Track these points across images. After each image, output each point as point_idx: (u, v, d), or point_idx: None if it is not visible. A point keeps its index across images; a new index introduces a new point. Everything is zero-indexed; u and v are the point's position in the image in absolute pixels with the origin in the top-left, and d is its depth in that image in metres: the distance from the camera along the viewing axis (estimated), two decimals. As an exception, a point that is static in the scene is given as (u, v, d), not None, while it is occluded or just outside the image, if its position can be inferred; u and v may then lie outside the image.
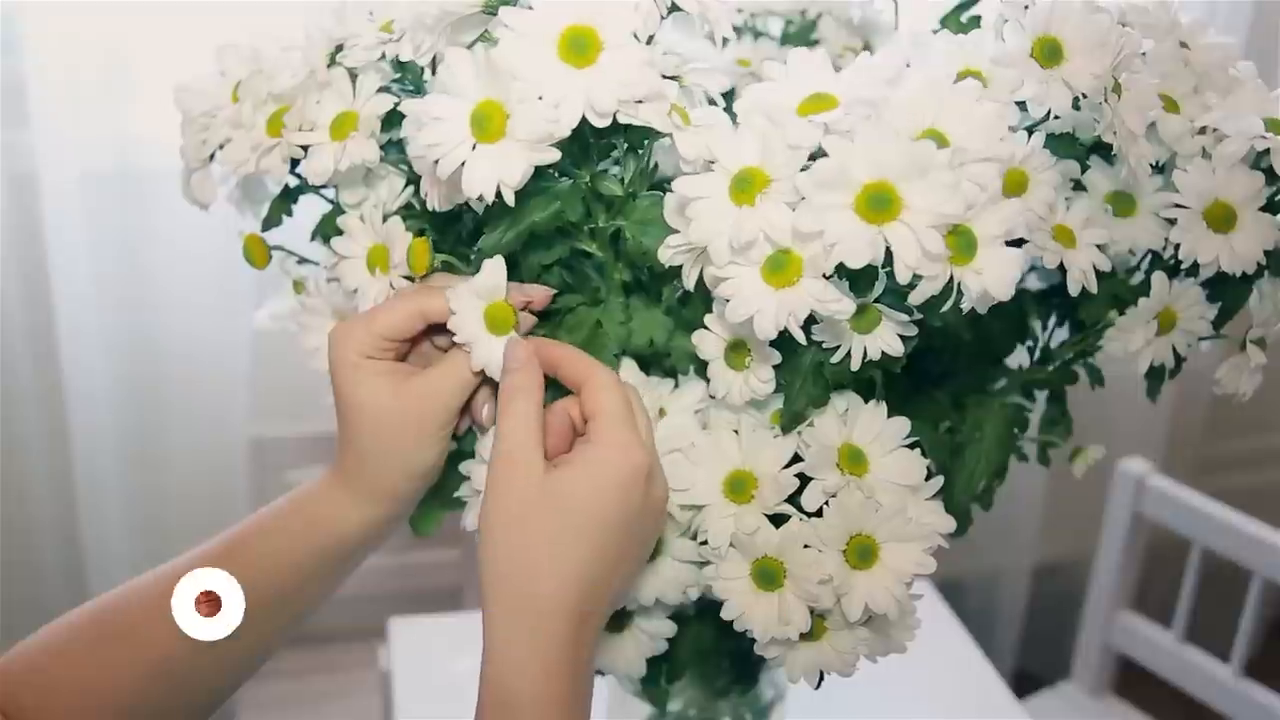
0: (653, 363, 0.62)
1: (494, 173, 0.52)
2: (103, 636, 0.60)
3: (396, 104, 0.58)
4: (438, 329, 0.59)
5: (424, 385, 0.58)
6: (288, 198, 0.64)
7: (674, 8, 0.55)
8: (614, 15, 0.52)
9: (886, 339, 0.53)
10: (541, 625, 0.52)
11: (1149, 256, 0.64)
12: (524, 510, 0.53)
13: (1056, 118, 0.57)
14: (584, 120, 0.51)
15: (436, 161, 0.52)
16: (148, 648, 0.59)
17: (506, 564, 0.53)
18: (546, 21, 0.52)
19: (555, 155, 0.52)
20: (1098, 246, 0.60)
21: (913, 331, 0.53)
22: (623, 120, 0.52)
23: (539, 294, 0.58)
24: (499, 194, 0.52)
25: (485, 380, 0.59)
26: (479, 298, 0.57)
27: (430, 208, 0.58)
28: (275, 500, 0.62)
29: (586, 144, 0.55)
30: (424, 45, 0.55)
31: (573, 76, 0.51)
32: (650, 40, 0.54)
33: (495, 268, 0.57)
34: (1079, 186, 0.62)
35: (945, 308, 0.50)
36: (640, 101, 0.52)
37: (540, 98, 0.51)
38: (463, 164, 0.52)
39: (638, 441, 0.54)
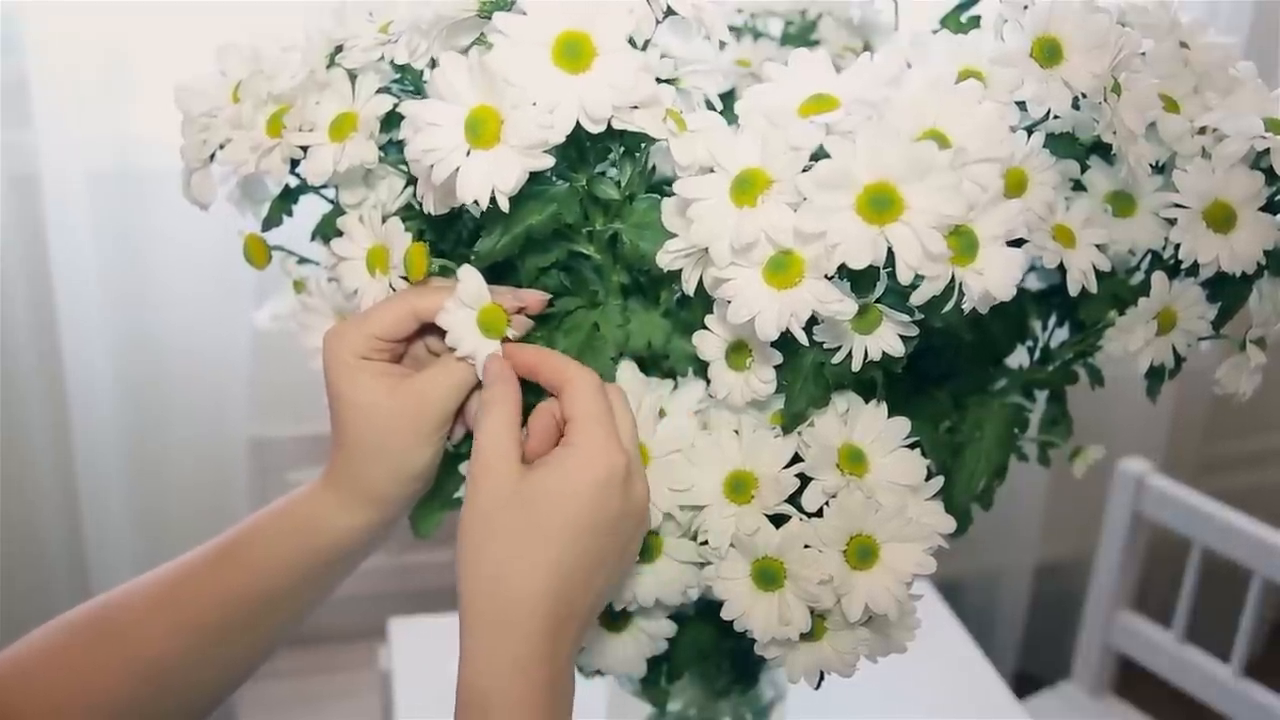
0: (651, 364, 0.62)
1: (488, 179, 0.51)
2: (97, 638, 0.60)
3: (396, 105, 0.58)
4: (431, 330, 0.59)
5: (419, 385, 0.58)
6: (288, 198, 0.64)
7: (669, 12, 0.55)
8: (608, 20, 0.52)
9: (887, 339, 0.53)
10: (514, 626, 0.52)
11: (1149, 256, 0.64)
12: (497, 512, 0.53)
13: (1056, 117, 0.57)
14: (579, 125, 0.51)
15: (431, 167, 0.52)
16: (142, 649, 0.59)
17: (480, 566, 0.53)
18: (540, 27, 0.52)
19: (549, 161, 0.52)
20: (1098, 246, 0.60)
21: (914, 332, 0.53)
22: (617, 126, 0.52)
23: (532, 298, 0.59)
24: (494, 198, 0.52)
25: (479, 384, 0.59)
26: (468, 307, 0.57)
27: (426, 211, 0.58)
28: (273, 502, 0.62)
29: (583, 147, 0.55)
30: (419, 49, 0.55)
31: (567, 82, 0.51)
32: (646, 45, 0.54)
33: (471, 275, 0.57)
34: (1079, 186, 0.62)
35: (947, 308, 0.50)
36: (635, 107, 0.52)
37: (534, 104, 0.51)
38: (457, 169, 0.52)
39: (615, 443, 0.54)
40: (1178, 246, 0.59)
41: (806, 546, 0.56)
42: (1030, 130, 0.56)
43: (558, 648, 0.53)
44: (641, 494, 0.56)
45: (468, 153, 0.52)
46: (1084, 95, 0.55)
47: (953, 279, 0.49)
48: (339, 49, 0.60)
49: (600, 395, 0.56)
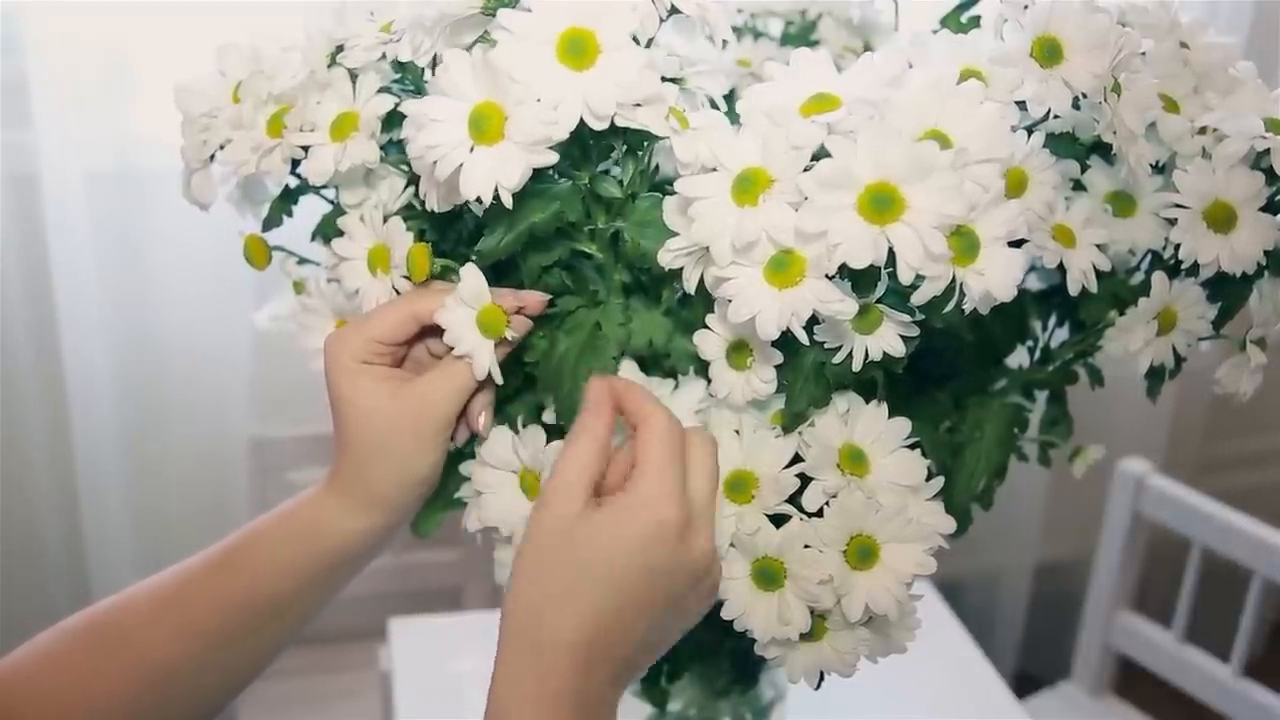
0: (652, 363, 0.62)
1: (491, 175, 0.51)
2: (100, 642, 0.59)
3: (397, 104, 0.58)
4: (431, 333, 0.59)
5: (421, 389, 0.58)
6: (288, 198, 0.64)
7: (673, 10, 0.55)
8: (612, 18, 0.52)
9: (888, 339, 0.53)
10: (541, 659, 0.52)
11: (1149, 256, 0.64)
12: (550, 546, 0.53)
13: (1056, 117, 0.57)
14: (583, 122, 0.51)
15: (435, 163, 0.52)
16: (146, 653, 0.59)
17: (523, 597, 0.53)
18: (544, 24, 0.52)
19: (553, 158, 0.52)
20: (1098, 246, 0.60)
21: (914, 332, 0.53)
22: (621, 124, 0.52)
23: (532, 299, 0.58)
24: (497, 195, 0.52)
25: (481, 386, 0.59)
26: (468, 307, 0.57)
27: (429, 209, 0.58)
28: (278, 505, 0.62)
29: (586, 145, 0.55)
30: (423, 47, 0.55)
31: (571, 79, 0.51)
32: (650, 43, 0.54)
33: (472, 274, 0.57)
34: (1079, 186, 0.62)
35: (947, 308, 0.50)
36: (639, 105, 0.52)
37: (538, 100, 0.51)
38: (460, 166, 0.52)
39: (672, 495, 0.53)
40: (1178, 246, 0.59)
41: (807, 546, 0.56)
42: (1030, 130, 0.56)
43: (588, 685, 0.53)
44: (701, 549, 0.54)
45: (471, 149, 0.52)
46: (1084, 95, 0.55)
47: (954, 279, 0.49)
48: (340, 48, 0.60)
49: (669, 441, 0.54)
